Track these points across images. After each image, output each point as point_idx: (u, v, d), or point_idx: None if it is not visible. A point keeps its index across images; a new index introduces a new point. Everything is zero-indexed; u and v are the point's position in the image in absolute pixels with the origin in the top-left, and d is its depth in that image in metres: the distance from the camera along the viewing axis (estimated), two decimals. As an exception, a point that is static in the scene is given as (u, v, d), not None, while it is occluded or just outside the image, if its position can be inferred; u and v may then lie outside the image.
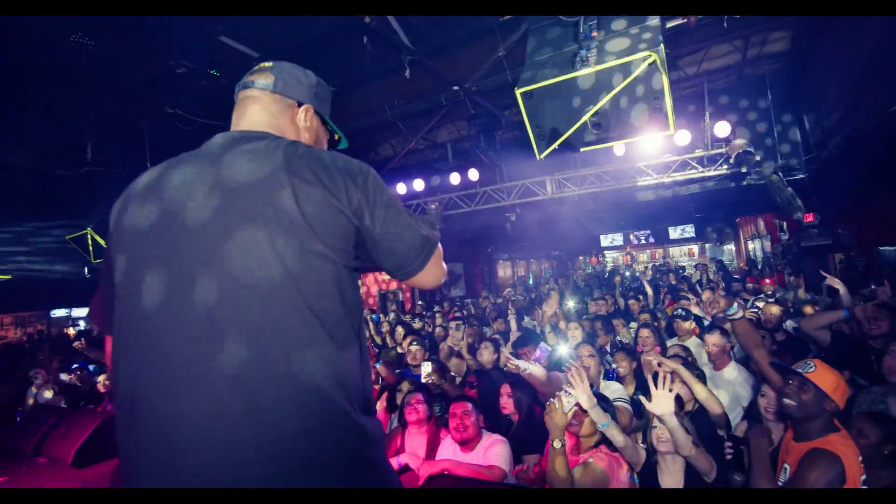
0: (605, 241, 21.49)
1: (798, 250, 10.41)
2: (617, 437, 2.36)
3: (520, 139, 8.32)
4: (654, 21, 2.40)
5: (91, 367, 5.82)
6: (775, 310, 4.63)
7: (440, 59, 5.19)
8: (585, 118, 2.44)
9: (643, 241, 21.20)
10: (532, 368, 2.63)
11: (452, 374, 4.60)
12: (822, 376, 2.03)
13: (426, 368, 3.94)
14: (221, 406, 0.90)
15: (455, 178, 8.34)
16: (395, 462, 3.08)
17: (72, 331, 15.82)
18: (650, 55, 2.12)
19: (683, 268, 17.00)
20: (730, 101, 6.68)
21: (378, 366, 4.56)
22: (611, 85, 2.32)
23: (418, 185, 8.76)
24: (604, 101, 2.36)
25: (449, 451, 2.97)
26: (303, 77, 1.29)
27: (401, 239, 1.11)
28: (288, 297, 0.96)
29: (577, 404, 2.55)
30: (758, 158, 5.71)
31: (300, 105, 1.27)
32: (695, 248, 20.77)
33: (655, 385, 2.24)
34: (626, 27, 2.35)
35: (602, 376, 3.58)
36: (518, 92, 2.54)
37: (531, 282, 19.88)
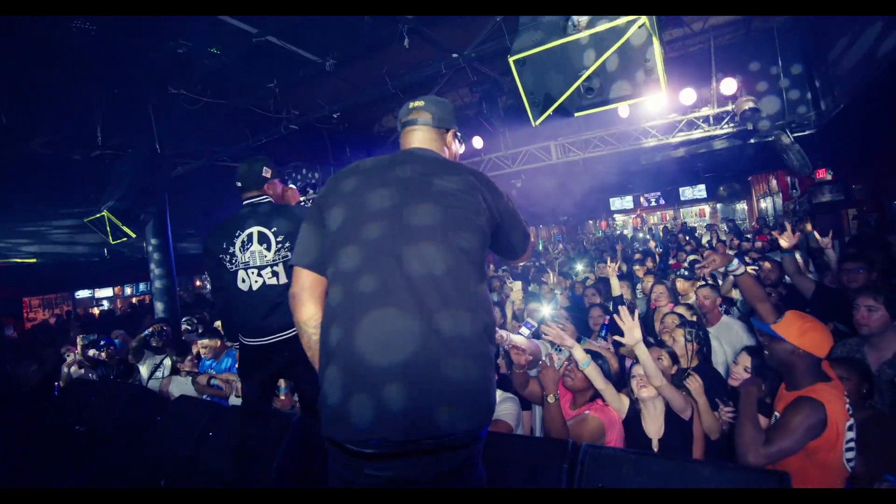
0: (615, 204, 21.31)
1: (810, 206, 10.31)
2: (597, 379, 2.51)
3: (523, 104, 8.24)
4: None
5: (117, 342, 6.12)
6: (771, 264, 4.69)
7: (438, 27, 5.14)
8: (577, 83, 2.48)
9: (654, 203, 20.98)
10: (514, 338, 2.79)
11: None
12: (787, 325, 2.09)
13: None
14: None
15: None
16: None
17: (96, 310, 16.42)
18: (640, 18, 2.14)
19: (694, 229, 16.90)
20: (737, 57, 6.50)
21: None
22: (602, 49, 2.34)
23: (423, 155, 8.77)
24: (595, 65, 2.39)
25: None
26: (448, 107, 1.78)
27: (517, 234, 1.70)
28: (471, 274, 1.41)
29: (568, 359, 2.72)
30: (764, 115, 5.62)
31: (448, 130, 1.76)
32: (706, 208, 20.52)
33: (621, 318, 2.39)
34: (617, -11, 2.35)
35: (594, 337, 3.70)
36: (511, 59, 2.58)
37: (540, 247, 19.95)
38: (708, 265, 2.71)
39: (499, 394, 3.13)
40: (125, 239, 5.76)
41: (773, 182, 13.29)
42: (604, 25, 2.25)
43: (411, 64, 5.84)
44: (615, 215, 22.05)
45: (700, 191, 19.36)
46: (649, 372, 2.33)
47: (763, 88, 6.30)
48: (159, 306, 7.57)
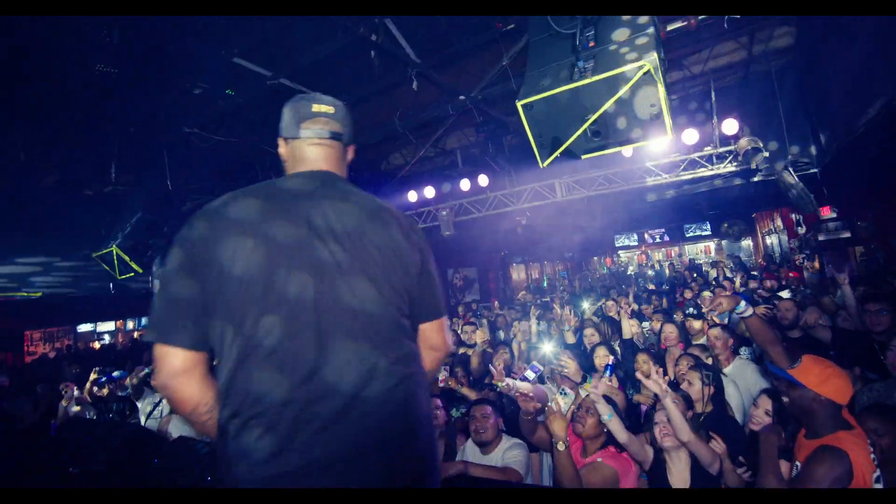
0: (619, 241, 21.36)
1: (816, 244, 10.27)
2: (619, 432, 2.42)
3: (528, 143, 8.40)
4: (650, 29, 2.48)
5: (115, 374, 6.02)
6: (788, 304, 4.60)
7: (446, 70, 5.32)
8: (584, 127, 2.52)
9: (658, 240, 21.00)
10: (520, 385, 2.73)
11: (471, 377, 4.69)
12: (806, 370, 2.02)
13: (441, 374, 4.08)
14: None
15: (465, 185, 8.45)
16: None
17: (97, 344, 16.29)
18: (644, 64, 2.20)
19: (700, 265, 16.83)
20: (737, 98, 6.67)
21: None
22: (608, 94, 2.40)
23: (429, 192, 8.89)
24: (601, 110, 2.44)
25: (470, 452, 3.06)
26: (351, 117, 1.45)
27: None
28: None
29: (582, 404, 2.64)
30: (766, 154, 5.69)
31: (349, 147, 1.48)
32: (711, 245, 20.50)
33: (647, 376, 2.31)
34: (622, 39, 2.43)
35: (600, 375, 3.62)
36: (519, 104, 2.64)
37: (545, 284, 19.86)
38: (715, 308, 2.66)
39: (507, 440, 3.03)
40: (132, 274, 5.78)
41: (778, 220, 13.31)
42: (609, 72, 2.31)
43: (419, 105, 6.02)
44: (620, 252, 22.05)
45: (704, 228, 19.41)
46: (677, 426, 2.23)
47: (763, 128, 6.41)
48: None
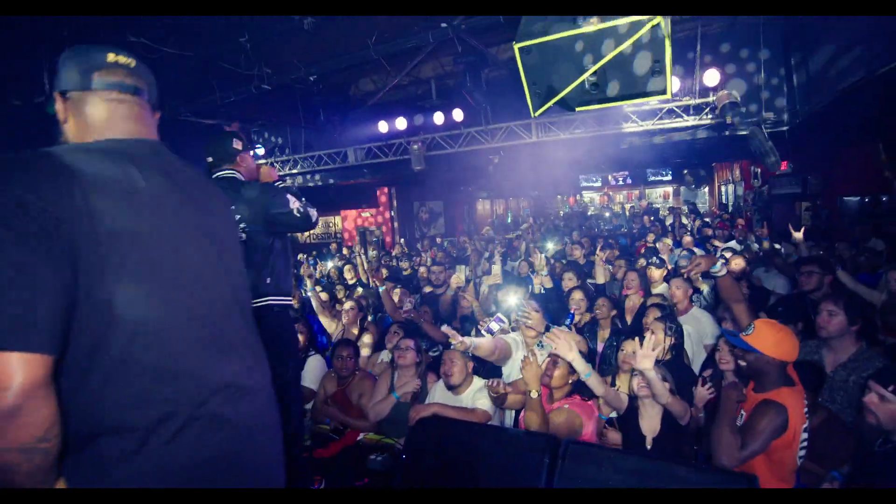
0: (583, 181, 21.64)
1: (768, 196, 10.79)
2: (598, 387, 2.56)
3: (506, 78, 8.03)
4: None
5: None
6: (740, 262, 4.89)
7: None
8: (583, 77, 2.40)
9: (621, 182, 21.43)
10: (479, 341, 2.81)
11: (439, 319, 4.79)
12: (760, 336, 2.16)
13: (406, 305, 4.16)
14: None
15: (439, 118, 8.12)
16: (391, 398, 3.31)
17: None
18: (656, 17, 2.07)
19: (657, 210, 17.43)
20: (721, 48, 6.54)
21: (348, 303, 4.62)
22: (612, 45, 2.26)
23: (401, 123, 8.51)
24: (604, 61, 2.31)
25: (441, 393, 3.17)
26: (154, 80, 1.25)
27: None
28: None
29: (550, 356, 2.76)
30: (743, 110, 5.73)
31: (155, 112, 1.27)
32: (670, 190, 21.16)
33: (641, 345, 2.41)
34: (631, -18, 2.26)
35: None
36: (516, 46, 2.46)
37: (509, 220, 20.11)
38: (694, 269, 2.77)
39: (477, 381, 3.16)
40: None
41: (737, 171, 13.78)
42: (617, 21, 2.16)
43: (395, 27, 5.54)
44: (583, 192, 22.41)
45: (665, 173, 19.91)
46: (656, 391, 2.36)
47: (742, 82, 6.39)
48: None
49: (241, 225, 2.38)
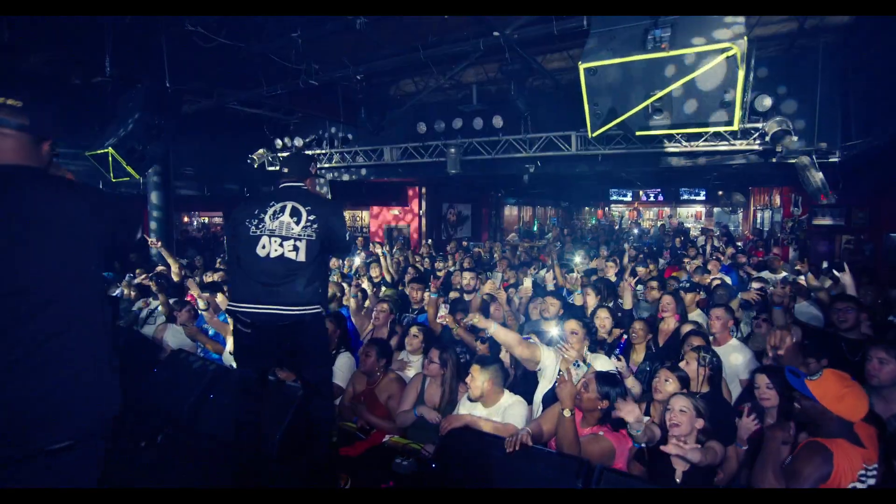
0: (614, 194, 21.32)
1: (809, 227, 10.43)
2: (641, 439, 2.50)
3: (549, 88, 7.98)
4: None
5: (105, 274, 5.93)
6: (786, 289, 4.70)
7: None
8: (648, 102, 2.37)
9: (652, 199, 21.04)
10: (499, 331, 2.91)
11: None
12: (823, 385, 2.05)
13: (442, 310, 4.14)
14: None
15: (478, 123, 8.11)
16: (412, 414, 3.32)
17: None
18: (732, 48, 2.02)
19: (688, 230, 17.07)
20: (775, 73, 6.35)
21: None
22: (682, 72, 2.23)
23: (439, 126, 8.53)
24: (669, 88, 2.28)
25: (470, 403, 3.16)
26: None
27: None
28: None
29: (585, 378, 2.74)
30: (794, 139, 5.55)
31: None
32: (702, 210, 20.69)
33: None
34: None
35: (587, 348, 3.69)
36: (581, 67, 2.44)
37: (535, 228, 19.96)
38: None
39: (508, 396, 3.14)
40: (127, 179, 5.51)
41: (777, 197, 13.37)
42: (690, 49, 2.12)
43: (446, 31, 5.56)
44: (613, 205, 22.09)
45: (699, 193, 19.44)
46: (691, 459, 2.29)
47: (793, 109, 6.20)
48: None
49: (311, 235, 2.58)
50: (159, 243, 5.43)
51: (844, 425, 2.06)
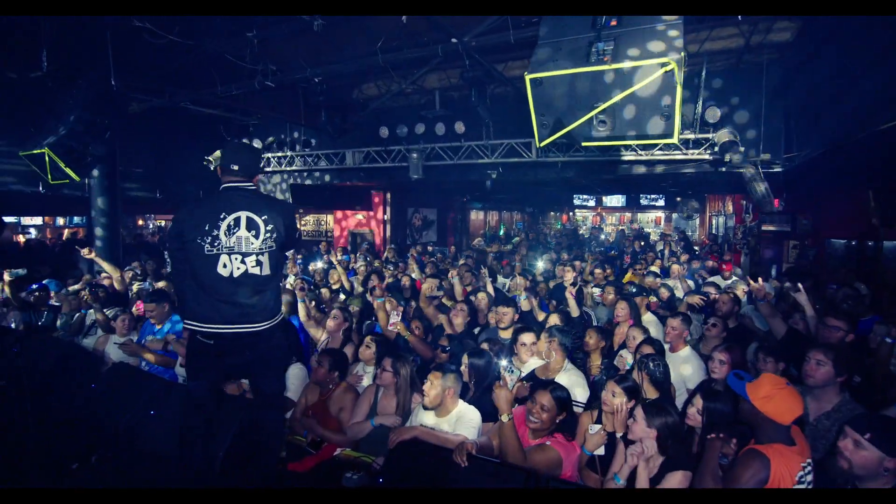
0: (577, 199, 21.80)
1: (758, 233, 10.95)
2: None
3: (511, 95, 8.06)
4: (676, 20, 2.32)
5: (53, 286, 5.56)
6: (726, 297, 4.87)
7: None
8: (593, 114, 2.40)
9: (615, 205, 21.64)
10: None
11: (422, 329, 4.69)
12: (758, 387, 2.12)
13: (393, 317, 4.06)
14: None
15: (440, 129, 8.11)
16: (368, 424, 3.23)
17: (21, 238, 15.06)
18: (669, 62, 2.07)
19: (648, 234, 17.60)
20: (724, 86, 6.64)
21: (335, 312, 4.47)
22: (624, 84, 2.27)
23: (401, 130, 8.49)
24: (614, 99, 2.31)
25: (423, 413, 3.10)
26: None
27: None
28: None
29: (520, 380, 2.72)
30: (741, 149, 5.81)
31: None
32: (662, 215, 21.40)
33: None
34: (648, 25, 2.26)
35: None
36: (527, 77, 2.46)
37: (501, 232, 20.14)
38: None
39: (461, 405, 3.08)
40: (66, 181, 5.18)
41: (730, 204, 13.97)
42: (630, 63, 2.16)
43: (406, 37, 5.52)
44: (577, 210, 22.57)
45: (659, 199, 20.12)
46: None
47: (746, 119, 6.48)
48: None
49: (272, 246, 2.47)
50: (92, 252, 5.10)
51: (780, 429, 2.11)
